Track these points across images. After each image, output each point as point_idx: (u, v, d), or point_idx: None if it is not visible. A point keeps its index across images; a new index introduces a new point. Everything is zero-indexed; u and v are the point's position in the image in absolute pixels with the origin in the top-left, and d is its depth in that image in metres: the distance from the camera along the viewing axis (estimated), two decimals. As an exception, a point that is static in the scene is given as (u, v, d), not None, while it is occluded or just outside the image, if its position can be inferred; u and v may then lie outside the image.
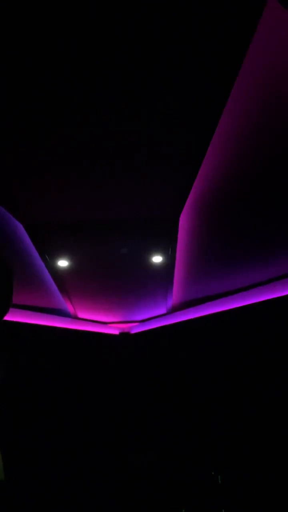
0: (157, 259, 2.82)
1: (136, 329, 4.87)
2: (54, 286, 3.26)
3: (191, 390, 4.01)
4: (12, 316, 3.89)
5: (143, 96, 1.43)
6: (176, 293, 3.75)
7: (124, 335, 4.90)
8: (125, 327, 4.91)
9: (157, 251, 2.72)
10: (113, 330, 4.92)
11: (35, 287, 3.32)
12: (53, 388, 4.03)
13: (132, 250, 2.70)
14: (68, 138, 1.64)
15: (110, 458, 3.75)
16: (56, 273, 2.96)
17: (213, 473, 3.35)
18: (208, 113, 1.52)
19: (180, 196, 2.11)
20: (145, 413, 4.14)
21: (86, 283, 3.30)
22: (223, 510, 3.16)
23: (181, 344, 4.33)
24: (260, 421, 3.41)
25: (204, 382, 3.96)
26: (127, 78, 1.35)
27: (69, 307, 3.94)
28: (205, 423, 3.76)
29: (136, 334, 4.87)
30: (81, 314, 4.35)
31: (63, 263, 2.78)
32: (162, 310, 4.38)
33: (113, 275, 3.18)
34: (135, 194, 2.13)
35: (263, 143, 1.74)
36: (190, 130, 1.61)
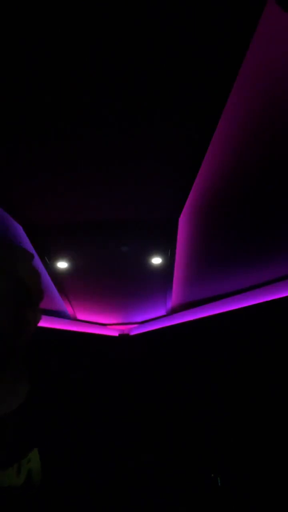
0: (156, 260, 2.82)
1: (135, 330, 4.86)
2: (53, 288, 3.25)
3: (191, 392, 4.00)
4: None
5: (142, 96, 1.43)
6: (176, 295, 3.74)
7: (123, 337, 4.89)
8: (124, 328, 4.90)
9: (156, 252, 2.71)
10: (113, 332, 4.90)
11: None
12: (52, 390, 4.02)
13: (132, 251, 2.69)
14: (68, 139, 1.64)
15: (110, 459, 3.73)
16: (56, 275, 2.95)
17: (213, 475, 3.34)
18: (208, 114, 1.52)
19: (180, 197, 2.11)
20: (144, 414, 4.13)
21: (85, 284, 3.30)
22: (223, 512, 3.15)
23: (181, 345, 4.32)
24: (260, 423, 3.40)
25: (204, 384, 3.95)
26: (127, 79, 1.35)
27: (68, 309, 3.93)
28: (205, 425, 3.74)
29: (135, 335, 4.86)
30: (80, 316, 4.34)
31: (62, 264, 2.78)
32: (162, 312, 4.37)
33: (113, 276, 3.17)
34: (134, 196, 2.13)
35: (263, 143, 1.74)
36: (190, 130, 1.61)
